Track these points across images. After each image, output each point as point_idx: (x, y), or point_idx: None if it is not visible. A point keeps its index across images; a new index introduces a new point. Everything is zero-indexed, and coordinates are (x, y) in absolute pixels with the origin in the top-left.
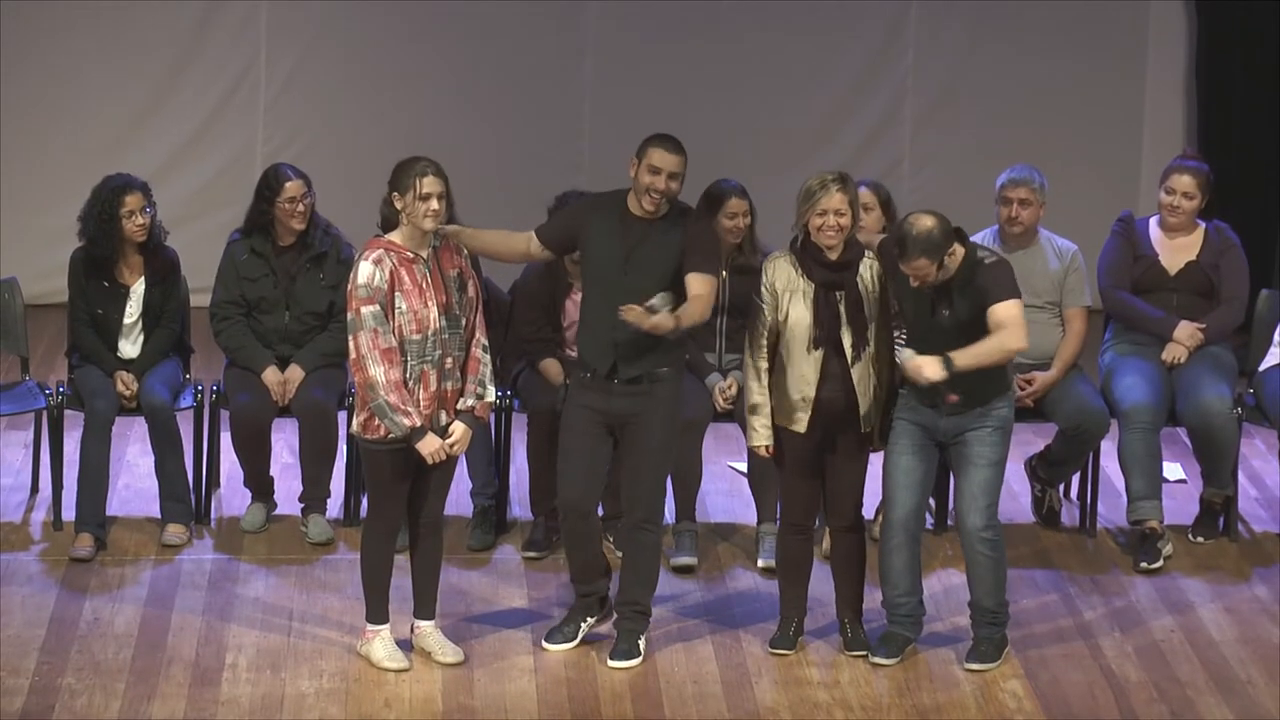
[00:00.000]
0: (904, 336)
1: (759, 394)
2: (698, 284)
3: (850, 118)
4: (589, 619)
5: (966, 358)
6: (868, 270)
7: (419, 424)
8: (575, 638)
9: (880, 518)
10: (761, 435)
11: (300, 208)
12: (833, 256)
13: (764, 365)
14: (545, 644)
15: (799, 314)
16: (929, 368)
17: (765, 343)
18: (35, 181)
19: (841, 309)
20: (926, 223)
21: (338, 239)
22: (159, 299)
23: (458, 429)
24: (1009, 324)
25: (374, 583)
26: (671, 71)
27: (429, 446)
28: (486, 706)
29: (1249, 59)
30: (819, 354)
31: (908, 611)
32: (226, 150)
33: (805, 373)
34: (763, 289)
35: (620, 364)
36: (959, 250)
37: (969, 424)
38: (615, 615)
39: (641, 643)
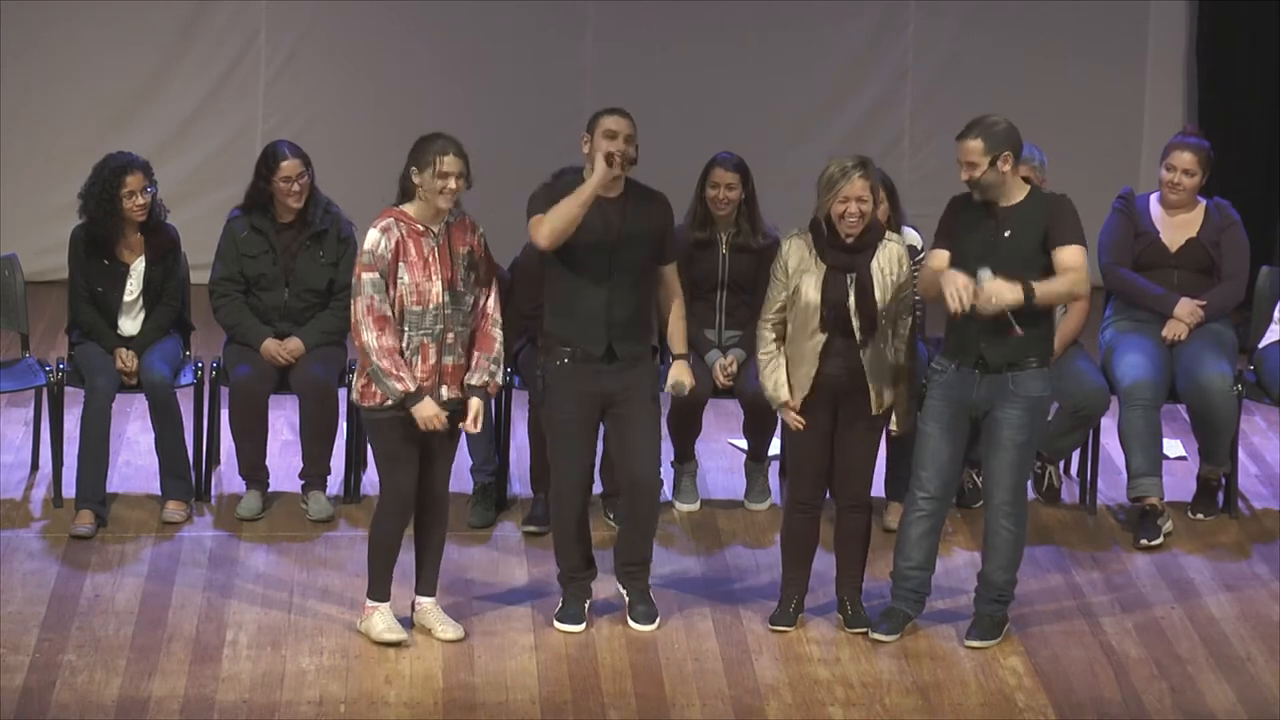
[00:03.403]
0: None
1: (767, 354)
2: (672, 274)
3: (851, 95)
4: (588, 600)
5: (1044, 289)
6: (885, 253)
7: (413, 389)
8: (585, 618)
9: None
10: (784, 391)
11: (296, 186)
12: (849, 240)
13: (771, 335)
14: (558, 623)
15: (808, 294)
16: (1009, 292)
17: (776, 316)
18: (36, 157)
19: (850, 292)
20: (997, 118)
21: (338, 217)
22: (159, 277)
23: (475, 404)
24: (1077, 269)
25: (380, 559)
26: (672, 49)
27: (425, 411)
28: (487, 683)
29: (1250, 33)
30: (823, 335)
31: (914, 586)
32: (227, 128)
33: (807, 352)
34: (778, 266)
35: (615, 345)
36: (1018, 179)
37: (1001, 398)
38: (620, 579)
39: (654, 601)
